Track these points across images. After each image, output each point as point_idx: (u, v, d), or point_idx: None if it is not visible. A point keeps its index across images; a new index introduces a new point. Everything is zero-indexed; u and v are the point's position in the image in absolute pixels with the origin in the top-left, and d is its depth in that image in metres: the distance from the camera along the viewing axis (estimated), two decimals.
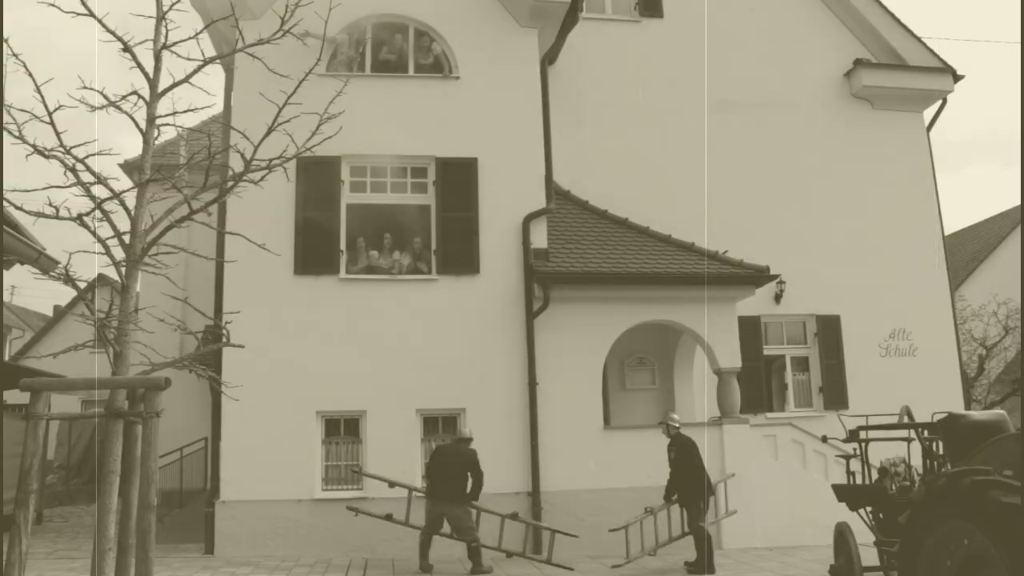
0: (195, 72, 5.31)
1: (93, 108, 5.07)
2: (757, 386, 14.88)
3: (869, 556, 7.83)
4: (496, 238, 12.44)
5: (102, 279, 24.56)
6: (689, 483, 10.19)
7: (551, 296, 12.13)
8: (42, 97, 4.95)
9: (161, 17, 5.30)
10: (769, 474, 12.31)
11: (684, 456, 10.27)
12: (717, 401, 12.74)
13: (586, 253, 12.97)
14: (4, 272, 10.76)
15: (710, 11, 16.24)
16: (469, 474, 9.99)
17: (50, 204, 4.96)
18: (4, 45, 4.87)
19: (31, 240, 10.93)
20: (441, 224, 12.48)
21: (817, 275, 15.43)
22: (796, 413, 15.13)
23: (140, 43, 5.24)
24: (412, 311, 12.07)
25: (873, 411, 8.69)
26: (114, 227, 5.04)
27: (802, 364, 15.77)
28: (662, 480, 10.55)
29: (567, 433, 11.94)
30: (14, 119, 4.93)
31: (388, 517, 10.06)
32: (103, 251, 5.06)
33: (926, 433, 7.66)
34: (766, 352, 15.50)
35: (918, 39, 16.82)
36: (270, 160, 5.44)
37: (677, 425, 10.55)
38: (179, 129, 5.88)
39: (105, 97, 5.11)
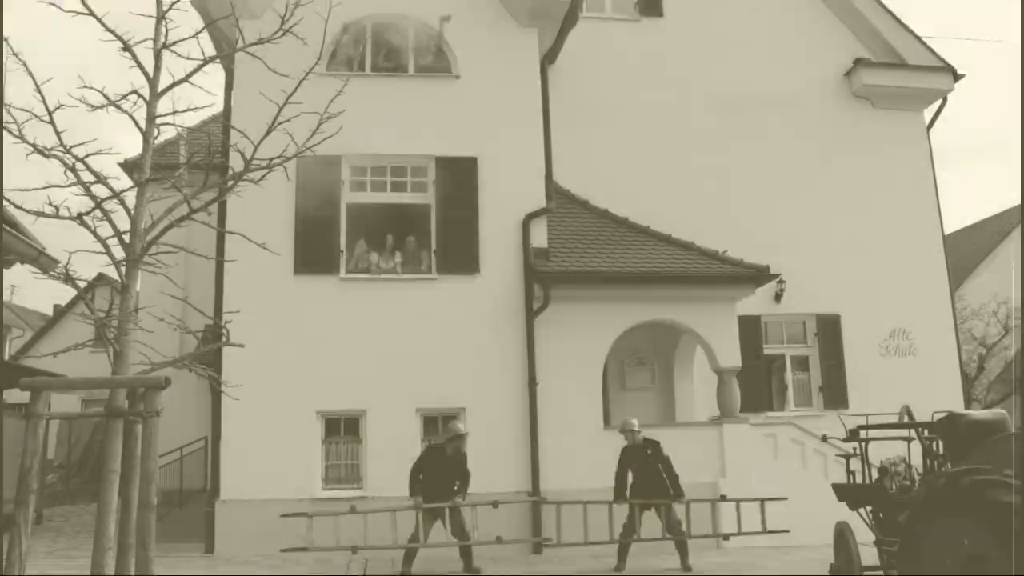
0: (195, 71, 5.32)
1: (93, 107, 5.07)
2: (757, 386, 14.87)
3: (869, 555, 7.82)
4: (496, 238, 12.44)
5: (102, 278, 24.62)
6: (663, 486, 10.17)
7: (551, 295, 12.12)
8: (42, 96, 4.95)
9: (161, 16, 5.30)
10: (769, 473, 12.30)
11: (658, 458, 10.27)
12: (717, 400, 12.74)
13: (586, 253, 12.96)
14: (4, 271, 10.75)
15: (710, 10, 16.24)
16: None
17: (50, 203, 4.96)
18: (4, 45, 4.87)
19: (31, 239, 10.92)
20: (441, 224, 12.48)
21: (817, 275, 15.42)
22: (796, 412, 15.12)
23: (140, 42, 5.24)
24: (412, 311, 12.07)
25: (873, 410, 8.68)
26: (114, 226, 5.05)
27: (802, 363, 15.77)
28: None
29: (567, 433, 11.93)
30: (14, 118, 4.94)
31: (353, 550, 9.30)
32: (103, 250, 5.06)
33: (926, 432, 7.64)
34: (766, 351, 15.50)
35: (918, 38, 16.81)
36: (270, 159, 5.44)
37: (637, 430, 10.47)
38: (179, 128, 5.88)
39: (105, 96, 5.11)
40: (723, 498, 10.54)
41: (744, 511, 10.57)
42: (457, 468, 9.79)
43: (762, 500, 10.33)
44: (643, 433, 10.51)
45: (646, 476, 10.26)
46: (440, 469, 9.72)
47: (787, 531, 10.34)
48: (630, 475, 10.34)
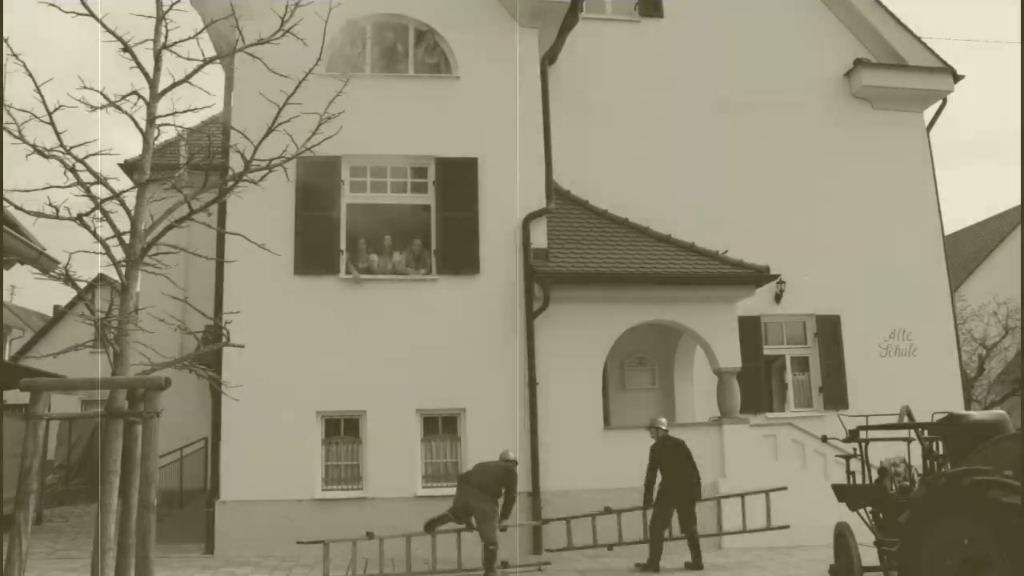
0: (195, 72, 5.32)
1: (93, 108, 5.07)
2: (757, 386, 14.86)
3: (869, 556, 7.82)
4: (496, 238, 12.44)
5: (102, 279, 24.59)
6: (682, 485, 10.23)
7: (551, 296, 12.12)
8: (42, 97, 4.95)
9: (161, 17, 5.30)
10: (769, 474, 12.29)
11: (677, 457, 10.31)
12: (717, 401, 12.74)
13: (586, 253, 12.96)
14: (4, 272, 10.75)
15: (710, 12, 16.23)
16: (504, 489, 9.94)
17: (50, 204, 4.96)
18: (4, 45, 4.87)
19: (31, 240, 10.92)
20: (441, 224, 12.48)
21: (817, 275, 15.42)
22: (796, 413, 15.12)
23: (140, 43, 5.24)
24: (412, 311, 12.07)
25: (873, 411, 8.68)
26: (114, 227, 5.05)
27: (802, 364, 15.76)
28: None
29: (567, 433, 11.93)
30: (14, 119, 4.94)
31: None
32: (103, 251, 5.06)
33: (926, 433, 7.65)
34: (766, 352, 15.49)
35: (918, 39, 16.81)
36: (270, 160, 5.44)
37: (665, 428, 10.62)
38: (179, 129, 5.88)
39: (105, 97, 5.11)
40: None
41: (741, 519, 10.66)
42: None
43: (767, 492, 10.64)
44: (668, 432, 10.65)
45: (664, 475, 10.42)
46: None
47: (786, 526, 10.65)
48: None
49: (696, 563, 10.13)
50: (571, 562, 10.77)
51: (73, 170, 5.01)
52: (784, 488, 10.95)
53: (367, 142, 12.00)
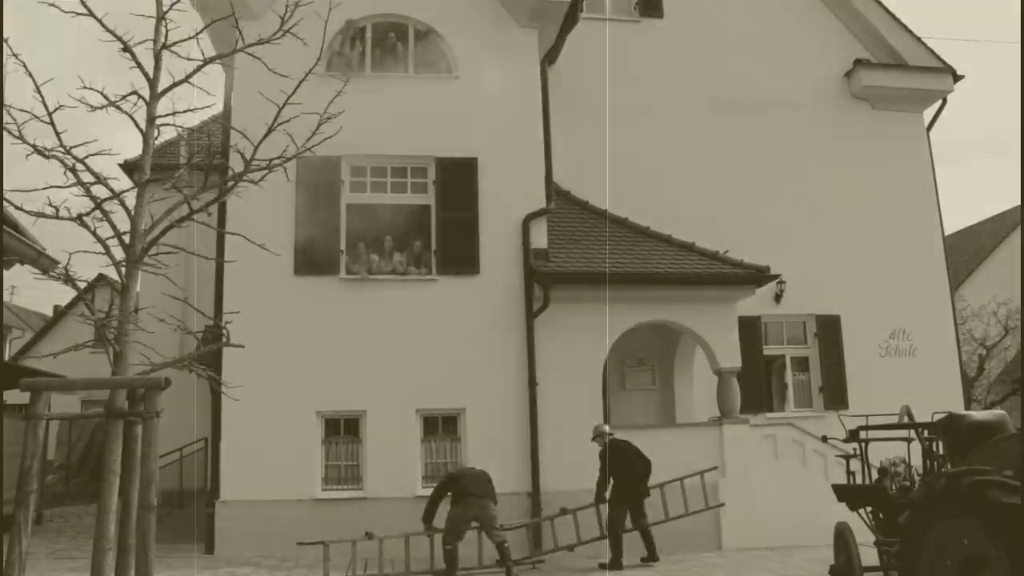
0: (195, 72, 5.31)
1: (93, 108, 5.07)
2: (757, 386, 14.87)
3: (869, 556, 7.82)
4: (496, 238, 12.44)
5: (102, 279, 24.60)
6: (631, 484, 10.46)
7: (551, 296, 12.12)
8: (42, 97, 4.94)
9: (161, 17, 5.29)
10: (769, 474, 12.31)
11: (623, 458, 10.53)
12: (717, 401, 12.73)
13: (586, 253, 12.96)
14: (4, 272, 10.76)
15: (710, 11, 16.24)
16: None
17: (50, 204, 4.95)
18: (4, 45, 4.87)
19: (31, 240, 10.93)
20: (441, 224, 12.48)
21: (817, 275, 15.42)
22: (796, 413, 15.12)
23: (140, 43, 5.23)
24: (412, 311, 12.07)
25: (873, 411, 8.67)
26: (114, 227, 5.04)
27: (802, 364, 15.76)
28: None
29: (567, 433, 11.92)
30: (14, 119, 4.93)
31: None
32: (103, 251, 5.05)
33: (926, 433, 7.64)
34: (766, 352, 15.49)
35: (918, 39, 16.81)
36: (270, 160, 5.43)
37: (611, 433, 10.88)
38: (179, 129, 5.87)
39: (105, 97, 5.10)
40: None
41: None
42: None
43: (701, 473, 11.31)
44: (613, 436, 10.93)
45: (614, 476, 10.73)
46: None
47: (721, 504, 11.62)
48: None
49: (651, 556, 10.41)
50: (571, 561, 10.78)
51: (73, 170, 5.01)
52: (715, 468, 11.73)
53: (367, 142, 11.99)
